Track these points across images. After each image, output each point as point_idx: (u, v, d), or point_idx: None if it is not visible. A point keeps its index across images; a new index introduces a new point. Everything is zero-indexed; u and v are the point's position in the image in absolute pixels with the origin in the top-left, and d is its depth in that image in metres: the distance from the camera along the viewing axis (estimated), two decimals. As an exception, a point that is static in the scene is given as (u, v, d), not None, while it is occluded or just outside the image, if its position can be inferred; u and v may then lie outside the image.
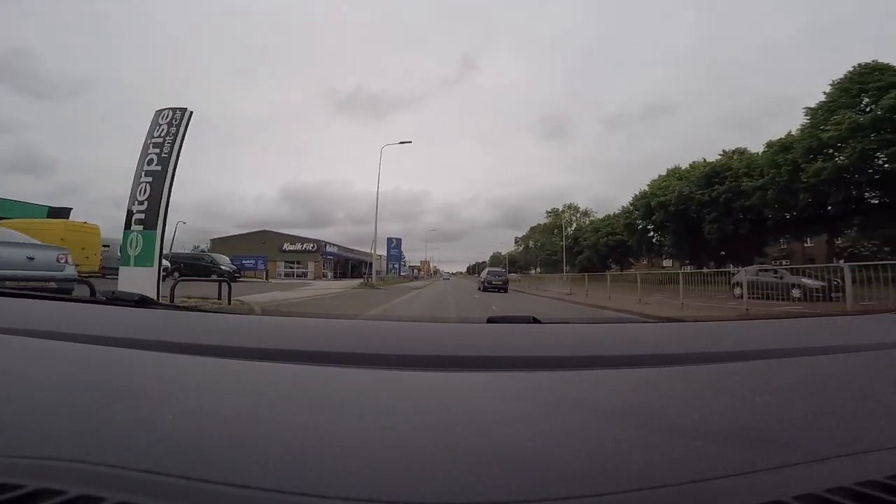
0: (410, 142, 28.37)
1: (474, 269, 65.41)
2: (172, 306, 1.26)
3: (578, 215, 63.37)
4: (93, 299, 1.28)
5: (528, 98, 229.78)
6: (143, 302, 1.17)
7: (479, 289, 23.82)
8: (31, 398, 0.51)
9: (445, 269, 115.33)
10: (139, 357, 0.70)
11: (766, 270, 14.11)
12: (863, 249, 22.26)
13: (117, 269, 7.81)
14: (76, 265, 7.24)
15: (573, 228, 57.98)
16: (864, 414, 0.52)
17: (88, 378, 0.62)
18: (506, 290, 22.47)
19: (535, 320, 1.09)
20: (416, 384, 0.63)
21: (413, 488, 0.34)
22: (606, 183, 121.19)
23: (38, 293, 1.30)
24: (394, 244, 53.33)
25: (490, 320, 1.10)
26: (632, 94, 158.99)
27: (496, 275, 24.76)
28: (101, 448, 0.38)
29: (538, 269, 65.97)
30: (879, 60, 20.60)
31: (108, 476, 0.34)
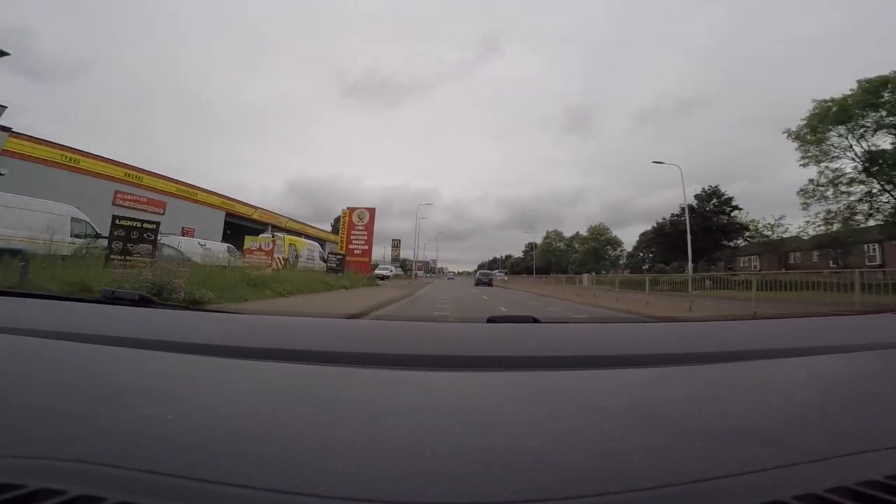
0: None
1: (489, 268, 63.13)
2: (172, 306, 1.26)
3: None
4: (93, 299, 1.28)
5: (544, 95, 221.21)
6: (142, 301, 1.17)
7: (474, 284, 33.84)
8: (31, 398, 0.51)
9: (452, 268, 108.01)
10: (139, 357, 0.70)
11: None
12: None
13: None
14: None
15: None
16: (864, 414, 0.52)
17: (88, 378, 0.62)
18: (491, 285, 31.77)
19: (535, 320, 1.09)
20: (417, 384, 0.63)
21: (413, 488, 0.34)
22: (621, 185, 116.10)
23: (38, 293, 1.30)
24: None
25: (490, 320, 1.10)
26: (652, 93, 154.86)
27: (485, 274, 37.57)
28: (101, 448, 0.38)
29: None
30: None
31: (108, 476, 0.34)
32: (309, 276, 15.58)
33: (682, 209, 33.38)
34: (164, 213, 22.29)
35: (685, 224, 27.95)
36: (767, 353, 0.81)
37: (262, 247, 15.57)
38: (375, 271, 39.56)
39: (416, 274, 50.95)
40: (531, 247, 72.95)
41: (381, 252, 57.55)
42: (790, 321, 1.38)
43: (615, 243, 60.25)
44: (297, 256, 22.46)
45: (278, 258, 20.16)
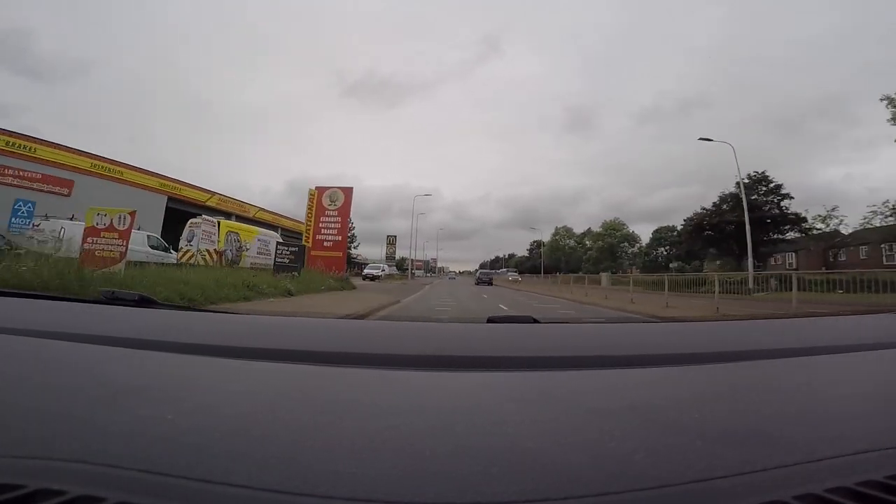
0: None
1: (492, 268, 60.60)
2: (172, 306, 1.26)
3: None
4: (93, 299, 1.28)
5: (545, 95, 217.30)
6: (143, 302, 1.17)
7: (475, 283, 35.64)
8: (31, 398, 0.51)
9: (453, 267, 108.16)
10: (139, 357, 0.70)
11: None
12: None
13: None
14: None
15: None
16: (864, 414, 0.52)
17: (88, 378, 0.62)
18: (491, 284, 33.36)
19: (535, 320, 1.09)
20: (417, 384, 0.63)
21: (413, 488, 0.34)
22: (622, 185, 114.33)
23: (38, 293, 1.30)
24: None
25: (490, 320, 1.10)
26: (654, 93, 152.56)
27: (485, 273, 39.52)
28: (101, 448, 0.38)
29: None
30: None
31: (108, 476, 0.34)
32: (217, 275, 9.95)
33: (722, 200, 27.93)
34: (69, 195, 17.67)
35: (733, 215, 23.07)
36: (768, 353, 0.81)
37: (116, 223, 8.16)
38: (364, 270, 33.06)
39: (412, 273, 44.07)
40: (537, 245, 68.21)
41: (379, 252, 52.57)
42: (791, 321, 1.39)
43: (632, 240, 53.19)
44: (239, 249, 17.19)
45: (208, 251, 15.01)
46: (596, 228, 57.08)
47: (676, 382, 0.66)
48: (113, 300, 1.19)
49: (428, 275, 65.31)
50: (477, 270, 57.56)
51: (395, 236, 52.90)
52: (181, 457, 0.37)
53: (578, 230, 63.44)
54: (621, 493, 0.33)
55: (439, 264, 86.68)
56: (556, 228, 65.89)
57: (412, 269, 46.63)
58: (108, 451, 0.38)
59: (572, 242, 62.27)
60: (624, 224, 54.04)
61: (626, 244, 53.56)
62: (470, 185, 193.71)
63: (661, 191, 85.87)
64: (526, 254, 76.92)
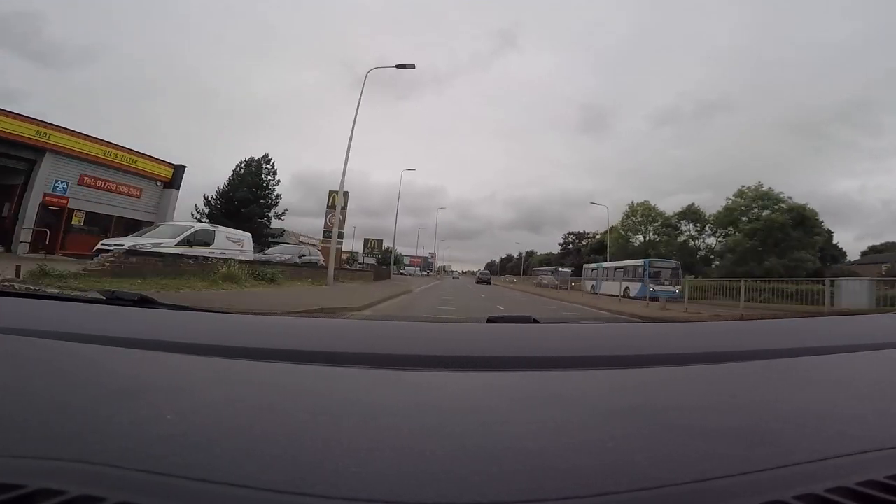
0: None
1: (501, 269, 60.59)
2: (172, 306, 1.25)
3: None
4: (93, 299, 1.28)
5: (558, 95, 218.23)
6: (143, 301, 1.17)
7: (476, 282, 38.52)
8: (31, 398, 0.51)
9: (456, 267, 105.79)
10: (139, 357, 0.70)
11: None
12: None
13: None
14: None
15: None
16: (864, 414, 0.52)
17: (88, 378, 0.62)
18: (490, 283, 36.23)
19: (535, 320, 1.09)
20: (417, 384, 0.63)
21: (413, 488, 0.34)
22: (629, 188, 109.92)
23: (37, 293, 1.30)
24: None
25: (490, 320, 1.10)
26: (668, 96, 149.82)
27: (485, 274, 44.48)
28: (101, 448, 0.38)
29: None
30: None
31: (108, 476, 0.34)
32: None
33: None
34: None
35: None
36: (767, 354, 0.81)
37: None
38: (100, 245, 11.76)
39: (360, 265, 24.44)
40: (577, 237, 48.63)
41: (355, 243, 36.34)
42: (791, 321, 1.39)
43: (812, 224, 26.77)
44: None
45: None
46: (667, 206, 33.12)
47: (676, 382, 0.66)
48: (113, 300, 1.19)
49: (426, 273, 56.61)
50: (478, 271, 62.85)
51: (347, 193, 25.08)
52: (181, 457, 0.37)
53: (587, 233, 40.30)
54: (621, 493, 0.33)
55: (441, 263, 76.94)
56: (633, 205, 36.96)
57: (342, 251, 23.12)
58: (108, 451, 0.37)
59: (658, 226, 35.81)
60: (782, 194, 28.14)
61: (805, 228, 26.56)
62: (476, 185, 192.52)
63: (670, 197, 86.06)
64: (558, 250, 55.07)
